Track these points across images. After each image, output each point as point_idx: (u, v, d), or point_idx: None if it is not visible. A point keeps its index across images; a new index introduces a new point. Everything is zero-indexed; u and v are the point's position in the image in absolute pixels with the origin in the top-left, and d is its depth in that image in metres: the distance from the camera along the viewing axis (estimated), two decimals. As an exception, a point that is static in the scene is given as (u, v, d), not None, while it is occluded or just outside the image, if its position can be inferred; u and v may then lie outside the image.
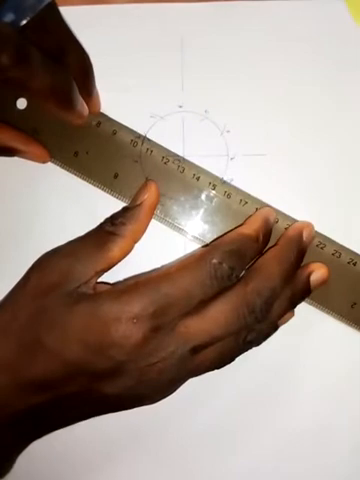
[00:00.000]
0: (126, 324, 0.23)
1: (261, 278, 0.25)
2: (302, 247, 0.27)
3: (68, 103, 0.25)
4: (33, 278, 0.25)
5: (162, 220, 0.29)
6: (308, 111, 0.30)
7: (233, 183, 0.29)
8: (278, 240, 0.27)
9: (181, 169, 0.29)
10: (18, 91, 0.28)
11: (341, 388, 0.30)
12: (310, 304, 0.29)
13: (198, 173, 0.29)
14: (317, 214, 0.29)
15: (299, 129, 0.30)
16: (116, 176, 0.29)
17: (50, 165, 0.29)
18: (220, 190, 0.29)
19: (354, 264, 0.29)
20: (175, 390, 0.26)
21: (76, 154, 0.29)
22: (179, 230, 0.29)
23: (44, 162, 0.29)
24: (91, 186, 0.29)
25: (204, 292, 0.24)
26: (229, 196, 0.29)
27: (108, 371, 0.23)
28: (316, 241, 0.29)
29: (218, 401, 0.30)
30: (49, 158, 0.29)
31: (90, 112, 0.28)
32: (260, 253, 0.26)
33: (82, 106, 0.27)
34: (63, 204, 0.30)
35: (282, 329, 0.27)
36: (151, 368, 0.24)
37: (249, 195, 0.29)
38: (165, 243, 0.30)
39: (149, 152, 0.29)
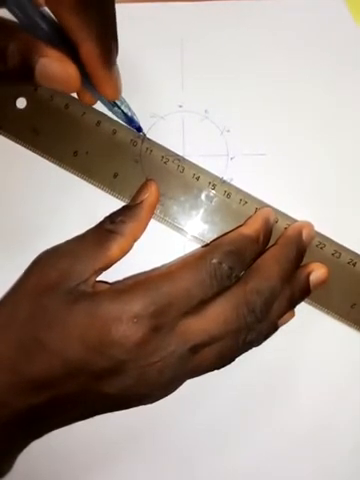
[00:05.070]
0: (126, 323, 0.23)
1: (260, 278, 0.25)
2: (301, 247, 0.27)
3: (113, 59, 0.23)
4: (32, 277, 0.25)
5: (162, 220, 0.29)
6: (308, 111, 0.30)
7: (233, 183, 0.29)
8: (278, 240, 0.27)
9: (181, 169, 0.29)
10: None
11: (341, 388, 0.30)
12: (310, 304, 0.29)
13: (198, 173, 0.29)
14: (317, 214, 0.29)
15: (299, 129, 0.30)
16: (116, 176, 0.29)
17: (50, 165, 0.29)
18: (220, 190, 0.29)
19: (354, 264, 0.29)
20: (174, 390, 0.26)
21: (76, 154, 0.29)
22: (179, 230, 0.29)
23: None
24: (91, 186, 0.29)
25: (204, 292, 0.24)
26: (229, 196, 0.29)
27: (108, 370, 0.23)
28: (316, 241, 0.29)
29: (218, 401, 0.30)
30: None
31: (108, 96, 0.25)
32: (260, 253, 0.26)
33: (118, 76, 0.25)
34: (63, 204, 0.30)
35: (282, 329, 0.27)
36: (151, 367, 0.24)
37: (249, 195, 0.29)
38: (165, 243, 0.30)
39: (149, 152, 0.29)
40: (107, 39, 0.22)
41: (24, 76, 0.21)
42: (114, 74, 0.24)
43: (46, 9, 0.21)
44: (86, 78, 0.23)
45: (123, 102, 0.27)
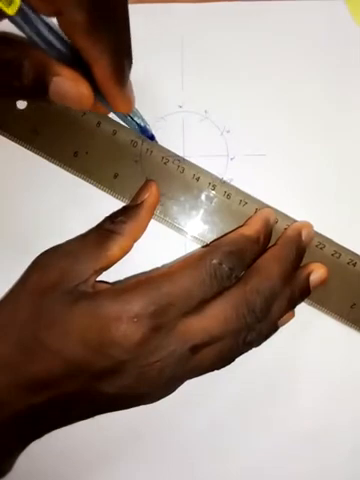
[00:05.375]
0: (127, 323, 0.23)
1: (260, 278, 0.25)
2: (301, 247, 0.27)
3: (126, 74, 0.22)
4: (33, 276, 0.25)
5: (162, 220, 0.29)
6: (308, 111, 0.30)
7: (233, 183, 0.29)
8: (277, 240, 0.27)
9: (181, 169, 0.29)
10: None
11: (341, 388, 0.30)
12: (310, 304, 0.29)
13: (198, 173, 0.29)
14: (317, 214, 0.29)
15: (299, 129, 0.30)
16: (116, 176, 0.29)
17: (50, 165, 0.29)
18: (220, 190, 0.29)
19: (354, 265, 0.29)
20: (174, 390, 0.26)
21: (76, 154, 0.29)
22: (179, 230, 0.29)
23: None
24: (91, 186, 0.29)
25: (204, 292, 0.24)
26: (229, 196, 0.29)
27: (108, 370, 0.23)
28: (316, 241, 0.29)
29: (218, 401, 0.30)
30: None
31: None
32: (260, 254, 0.26)
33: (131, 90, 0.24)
34: (63, 204, 0.30)
35: (282, 329, 0.27)
36: (151, 367, 0.24)
37: (249, 195, 0.29)
38: (165, 243, 0.30)
39: (149, 152, 0.29)
40: (120, 58, 0.22)
41: (38, 93, 0.21)
42: (127, 91, 0.23)
43: (56, 25, 0.20)
44: (99, 93, 0.22)
45: (136, 113, 0.26)
